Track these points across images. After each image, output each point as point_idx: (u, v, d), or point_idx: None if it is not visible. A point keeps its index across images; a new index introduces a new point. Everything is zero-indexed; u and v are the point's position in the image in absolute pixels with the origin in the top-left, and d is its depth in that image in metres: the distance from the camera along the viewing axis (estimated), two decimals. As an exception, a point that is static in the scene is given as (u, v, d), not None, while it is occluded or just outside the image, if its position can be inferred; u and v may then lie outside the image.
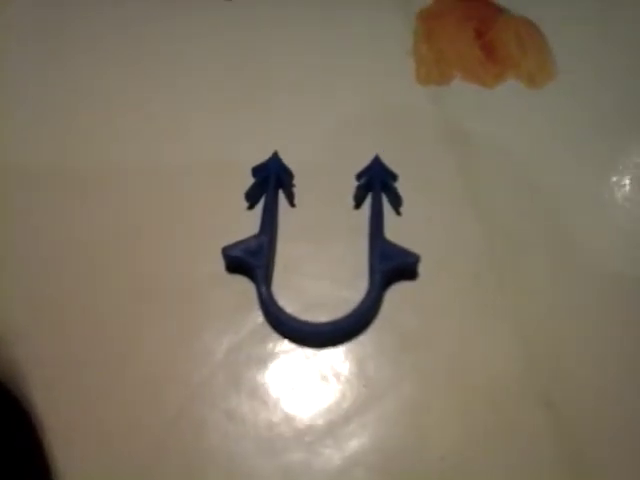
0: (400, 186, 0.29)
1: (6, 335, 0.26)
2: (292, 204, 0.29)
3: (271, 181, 0.28)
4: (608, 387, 0.25)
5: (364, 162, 0.29)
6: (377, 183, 0.29)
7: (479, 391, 0.25)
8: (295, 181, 0.29)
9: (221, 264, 0.27)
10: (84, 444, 0.24)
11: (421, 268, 0.27)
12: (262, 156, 0.29)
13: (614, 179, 0.31)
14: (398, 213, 0.29)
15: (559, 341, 0.26)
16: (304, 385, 0.25)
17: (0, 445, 0.26)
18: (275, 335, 0.26)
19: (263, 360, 0.25)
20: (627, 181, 0.31)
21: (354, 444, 0.24)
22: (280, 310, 0.25)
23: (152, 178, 0.30)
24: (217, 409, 0.24)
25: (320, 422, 0.24)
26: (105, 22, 0.36)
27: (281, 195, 0.29)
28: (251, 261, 0.26)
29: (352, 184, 0.29)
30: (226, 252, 0.26)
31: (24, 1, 0.36)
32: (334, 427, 0.24)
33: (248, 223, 0.28)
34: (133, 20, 0.36)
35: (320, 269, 0.27)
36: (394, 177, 0.29)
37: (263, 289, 0.26)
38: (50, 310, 0.26)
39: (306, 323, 0.25)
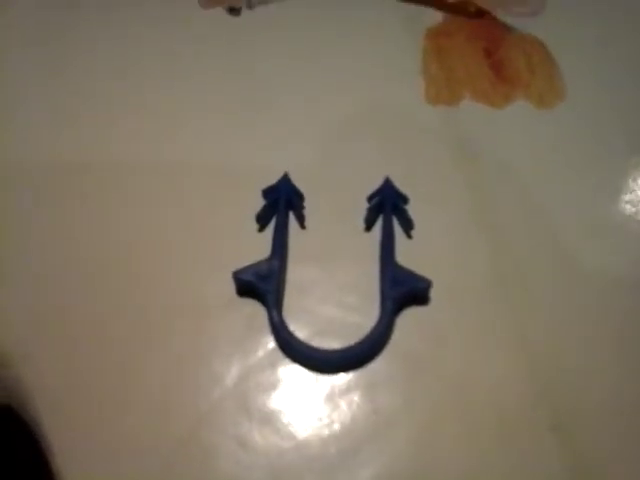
0: (410, 208, 0.29)
1: (11, 356, 0.25)
2: (302, 226, 0.29)
3: (281, 203, 0.28)
4: (617, 410, 0.25)
5: (375, 184, 0.29)
6: (388, 205, 0.29)
7: (488, 417, 0.25)
8: (305, 202, 0.29)
9: (232, 287, 0.27)
10: (91, 468, 0.24)
11: (432, 293, 0.27)
12: (273, 176, 0.29)
13: (623, 200, 0.31)
14: (409, 236, 0.29)
15: (567, 364, 0.26)
16: (315, 412, 0.25)
17: (9, 467, 0.25)
18: (286, 360, 0.26)
19: (274, 386, 0.25)
20: (632, 205, 0.30)
21: (366, 473, 0.24)
22: (291, 336, 0.25)
23: (165, 196, 0.30)
24: (227, 435, 0.24)
25: (331, 450, 0.24)
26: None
27: (291, 217, 0.29)
28: (262, 286, 0.26)
29: (363, 206, 0.29)
30: (237, 276, 0.26)
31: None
32: (345, 455, 0.24)
33: (259, 245, 0.28)
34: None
35: (331, 293, 0.27)
36: (405, 200, 0.29)
37: (274, 314, 0.25)
38: (56, 332, 0.26)
39: (318, 350, 0.25)
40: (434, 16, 0.36)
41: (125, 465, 0.24)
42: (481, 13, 0.37)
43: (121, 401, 0.25)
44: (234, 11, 0.36)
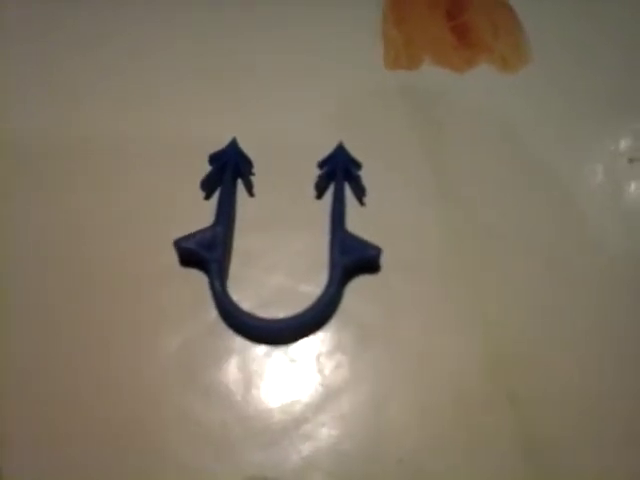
0: (364, 175, 0.28)
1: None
2: (251, 194, 0.28)
3: (228, 169, 0.27)
4: (572, 381, 0.24)
5: (327, 150, 0.28)
6: (340, 172, 0.28)
7: (440, 389, 0.24)
8: (254, 169, 0.28)
9: (174, 257, 0.26)
10: (30, 452, 0.23)
11: (383, 261, 0.26)
12: (220, 142, 0.28)
13: (592, 167, 0.30)
14: (362, 203, 0.28)
15: (523, 335, 0.25)
16: (259, 384, 0.24)
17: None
18: (230, 332, 0.25)
19: (217, 357, 0.24)
20: (600, 169, 0.30)
21: (310, 446, 0.23)
22: (235, 306, 0.24)
23: (101, 159, 0.29)
24: (169, 408, 0.23)
25: (276, 422, 0.23)
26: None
27: (239, 185, 0.28)
28: (205, 254, 0.25)
29: (314, 173, 0.28)
30: (179, 244, 0.25)
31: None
32: (290, 428, 0.23)
33: (204, 213, 0.27)
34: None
35: (279, 262, 0.26)
36: (358, 166, 0.28)
37: (217, 284, 0.24)
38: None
39: (262, 319, 0.24)
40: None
41: (68, 442, 0.23)
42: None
43: (62, 377, 0.24)
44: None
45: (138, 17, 0.34)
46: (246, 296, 0.25)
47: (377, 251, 0.25)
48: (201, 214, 0.27)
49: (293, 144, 0.29)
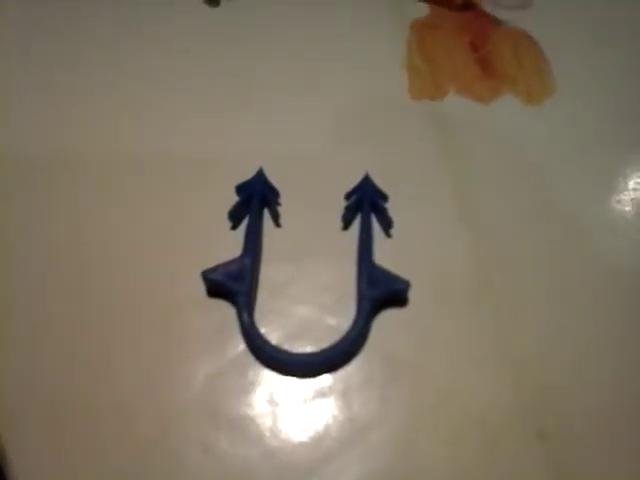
0: (391, 207, 0.28)
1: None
2: (277, 224, 0.28)
3: (255, 200, 0.27)
4: (602, 417, 0.24)
5: (354, 181, 0.28)
6: (367, 203, 0.27)
7: (470, 424, 0.24)
8: (281, 199, 0.28)
9: (201, 287, 0.26)
10: (50, 477, 0.22)
11: (412, 294, 0.26)
12: (248, 173, 0.28)
13: (614, 198, 0.30)
14: (388, 235, 0.28)
15: (552, 371, 0.25)
16: (287, 418, 0.24)
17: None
18: (257, 364, 0.24)
19: (243, 390, 0.24)
20: (628, 202, 0.29)
21: (339, 484, 0.22)
22: (262, 339, 0.24)
23: (136, 193, 0.29)
24: (193, 441, 0.23)
25: (303, 459, 0.23)
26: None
27: (266, 215, 0.28)
28: (233, 286, 0.25)
29: (341, 204, 0.28)
30: (207, 275, 0.25)
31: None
32: (317, 464, 0.23)
33: (231, 244, 0.26)
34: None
35: (306, 294, 0.26)
36: (384, 197, 0.28)
37: (245, 316, 0.24)
38: (18, 331, 0.25)
39: (289, 353, 0.24)
40: (420, 8, 0.35)
41: (84, 475, 0.22)
42: (468, 5, 0.35)
43: (84, 404, 0.24)
44: (213, 2, 0.35)
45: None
46: (273, 328, 0.25)
47: (406, 284, 0.25)
48: (228, 244, 0.26)
49: (319, 174, 0.29)
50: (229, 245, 0.26)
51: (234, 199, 0.28)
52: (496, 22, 0.35)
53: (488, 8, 0.36)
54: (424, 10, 0.35)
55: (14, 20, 0.34)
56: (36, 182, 0.29)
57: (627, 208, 0.29)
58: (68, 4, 0.35)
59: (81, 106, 0.31)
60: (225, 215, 0.27)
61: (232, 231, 0.27)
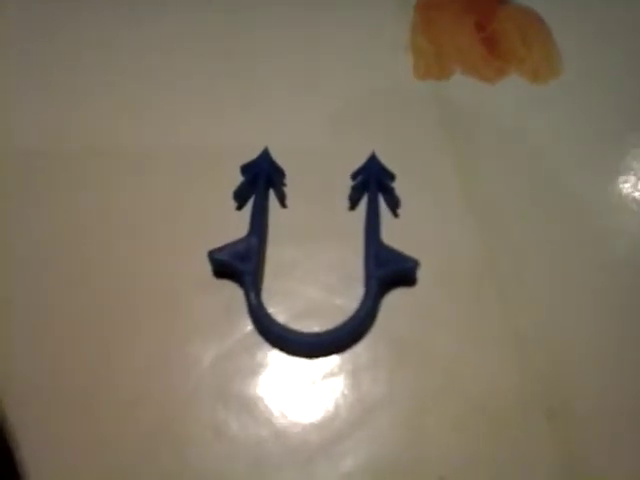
0: (398, 186, 0.28)
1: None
2: (283, 204, 0.27)
3: (261, 180, 0.27)
4: (609, 395, 0.24)
5: (360, 160, 0.28)
6: (373, 183, 0.27)
7: (479, 405, 0.23)
8: (287, 180, 0.28)
9: (208, 268, 0.25)
10: (59, 459, 0.22)
11: (420, 274, 0.25)
12: (252, 152, 0.28)
13: (620, 180, 0.29)
14: (395, 215, 0.27)
15: (559, 351, 0.25)
16: (295, 398, 0.23)
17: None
18: (265, 345, 0.24)
19: (252, 371, 0.24)
20: (630, 184, 0.29)
21: (349, 463, 0.22)
22: (270, 319, 0.24)
23: (134, 173, 0.28)
24: (202, 423, 0.23)
25: (313, 438, 0.23)
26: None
27: (272, 195, 0.28)
28: (239, 266, 0.24)
29: (347, 184, 0.28)
30: (213, 256, 0.25)
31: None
32: (327, 444, 0.23)
33: (237, 224, 0.26)
34: (131, 18, 0.34)
35: (313, 274, 0.26)
36: (391, 177, 0.28)
37: (252, 296, 0.24)
38: (24, 317, 0.25)
39: (298, 333, 0.24)
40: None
41: (93, 457, 0.22)
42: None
43: (90, 388, 0.23)
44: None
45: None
46: (280, 309, 0.25)
47: (414, 263, 0.25)
48: (233, 224, 0.26)
49: (325, 154, 0.29)
50: (235, 225, 0.26)
51: (239, 180, 0.27)
52: (502, 1, 0.35)
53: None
54: (428, -10, 0.35)
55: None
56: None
57: (631, 191, 0.29)
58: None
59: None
60: (230, 195, 0.27)
61: (237, 211, 0.27)
